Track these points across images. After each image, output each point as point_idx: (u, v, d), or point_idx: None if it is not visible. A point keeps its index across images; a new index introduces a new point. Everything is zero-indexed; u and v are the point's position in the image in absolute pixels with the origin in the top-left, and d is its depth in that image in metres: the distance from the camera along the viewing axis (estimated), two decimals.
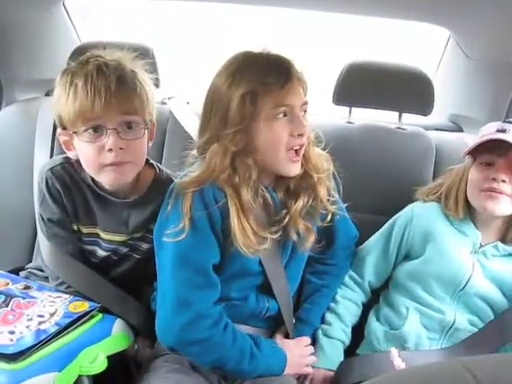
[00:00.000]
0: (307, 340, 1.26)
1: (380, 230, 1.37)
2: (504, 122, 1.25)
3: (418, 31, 1.95)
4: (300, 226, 1.15)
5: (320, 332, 1.29)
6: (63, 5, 1.84)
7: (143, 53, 1.66)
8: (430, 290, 1.25)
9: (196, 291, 1.08)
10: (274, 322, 1.26)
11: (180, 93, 1.83)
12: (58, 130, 1.16)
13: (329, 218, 1.22)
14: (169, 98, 1.79)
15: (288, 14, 1.90)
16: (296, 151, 1.09)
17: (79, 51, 1.58)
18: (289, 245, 1.19)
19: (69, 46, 1.72)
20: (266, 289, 1.21)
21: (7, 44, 1.76)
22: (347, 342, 1.30)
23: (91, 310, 1.10)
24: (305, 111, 1.11)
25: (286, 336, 1.26)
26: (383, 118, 1.77)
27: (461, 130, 1.83)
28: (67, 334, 1.02)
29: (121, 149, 1.09)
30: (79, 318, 1.06)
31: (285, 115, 1.07)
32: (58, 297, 1.13)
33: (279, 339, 1.24)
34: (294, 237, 1.16)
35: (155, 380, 1.09)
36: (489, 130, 1.25)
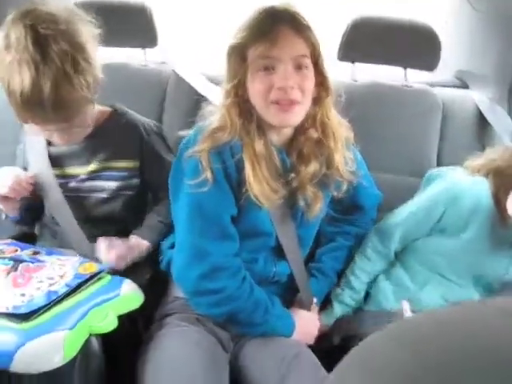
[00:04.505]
0: (317, 309, 1.27)
1: (414, 202, 1.27)
2: None
3: None
4: (308, 192, 1.14)
5: (332, 293, 1.30)
6: None
7: (140, 11, 1.64)
8: (458, 272, 1.21)
9: (213, 242, 1.08)
10: (287, 290, 1.25)
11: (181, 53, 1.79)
12: None
13: (344, 187, 1.19)
14: (169, 58, 1.76)
15: None
16: (279, 103, 1.04)
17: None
18: (298, 209, 1.17)
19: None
20: (277, 252, 1.20)
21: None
22: (355, 306, 1.31)
23: (100, 272, 1.09)
24: (301, 65, 1.04)
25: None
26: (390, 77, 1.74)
27: (466, 87, 1.79)
28: (77, 294, 1.02)
29: None
30: (89, 278, 1.06)
31: (268, 68, 1.03)
32: (67, 260, 1.12)
33: (293, 309, 1.23)
34: (301, 202, 1.15)
35: (166, 338, 1.10)
36: None
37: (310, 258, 1.31)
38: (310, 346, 1.19)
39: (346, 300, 1.29)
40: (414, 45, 1.61)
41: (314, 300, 1.27)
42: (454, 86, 1.80)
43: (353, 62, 1.69)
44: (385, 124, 1.63)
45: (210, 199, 1.07)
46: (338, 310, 1.29)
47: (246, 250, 1.16)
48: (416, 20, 1.62)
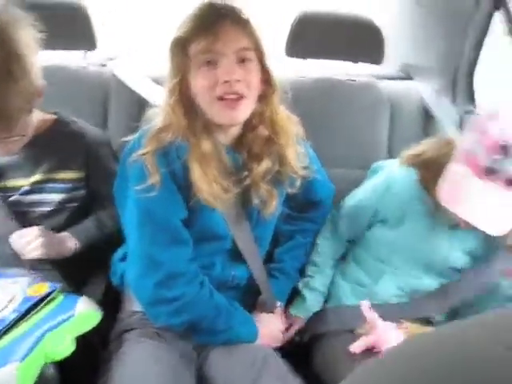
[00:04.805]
0: (280, 311, 1.25)
1: (357, 192, 1.31)
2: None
3: None
4: (261, 190, 1.11)
5: (300, 284, 1.29)
6: None
7: (75, 11, 1.56)
8: (407, 262, 1.22)
9: (165, 249, 1.05)
10: (247, 294, 1.23)
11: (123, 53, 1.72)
12: None
13: (298, 182, 1.17)
14: (110, 60, 1.68)
15: None
16: (224, 99, 1.01)
17: None
18: (253, 208, 1.15)
19: None
20: (234, 254, 1.17)
21: None
22: (326, 294, 1.31)
23: (51, 292, 1.02)
24: (244, 59, 1.02)
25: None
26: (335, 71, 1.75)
27: (411, 79, 1.83)
28: (28, 319, 0.95)
29: None
30: (39, 301, 0.99)
31: (211, 63, 1.00)
32: (15, 281, 1.04)
33: (256, 313, 1.21)
34: (256, 201, 1.12)
35: (126, 356, 1.05)
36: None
37: (268, 259, 1.29)
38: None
39: (317, 285, 1.28)
40: (358, 39, 1.62)
41: (278, 303, 1.25)
42: (400, 79, 1.83)
43: (304, 58, 1.68)
44: (334, 119, 1.64)
45: (158, 204, 1.03)
46: (310, 298, 1.28)
47: (201, 255, 1.12)
48: (359, 15, 1.63)
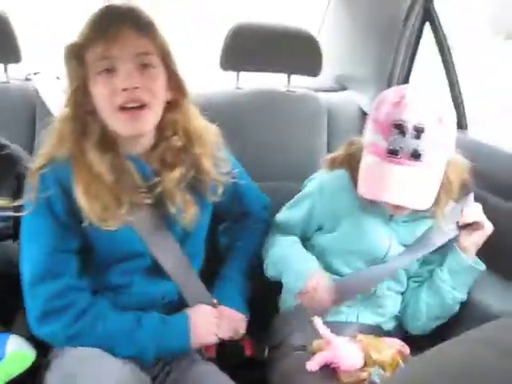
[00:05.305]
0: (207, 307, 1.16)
1: (292, 201, 1.29)
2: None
3: None
4: (176, 198, 1.06)
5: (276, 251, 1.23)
6: None
7: None
8: (349, 264, 1.22)
9: (41, 282, 0.99)
10: (182, 309, 1.15)
11: (47, 67, 1.63)
12: None
13: (221, 189, 1.13)
14: (34, 74, 1.59)
15: None
16: (126, 109, 0.96)
17: None
18: (174, 221, 1.09)
19: None
20: (157, 271, 1.10)
21: None
22: None
23: None
24: (145, 64, 0.98)
25: None
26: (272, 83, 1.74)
27: (346, 89, 1.85)
28: None
29: None
30: None
31: (109, 70, 0.95)
32: None
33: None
34: (173, 210, 1.06)
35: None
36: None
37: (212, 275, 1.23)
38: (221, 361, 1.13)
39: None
40: (295, 51, 1.61)
41: (214, 300, 1.17)
42: (336, 91, 1.84)
43: (237, 72, 1.66)
44: (272, 131, 1.62)
45: (31, 237, 1.00)
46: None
47: (116, 275, 1.07)
48: (295, 27, 1.63)
